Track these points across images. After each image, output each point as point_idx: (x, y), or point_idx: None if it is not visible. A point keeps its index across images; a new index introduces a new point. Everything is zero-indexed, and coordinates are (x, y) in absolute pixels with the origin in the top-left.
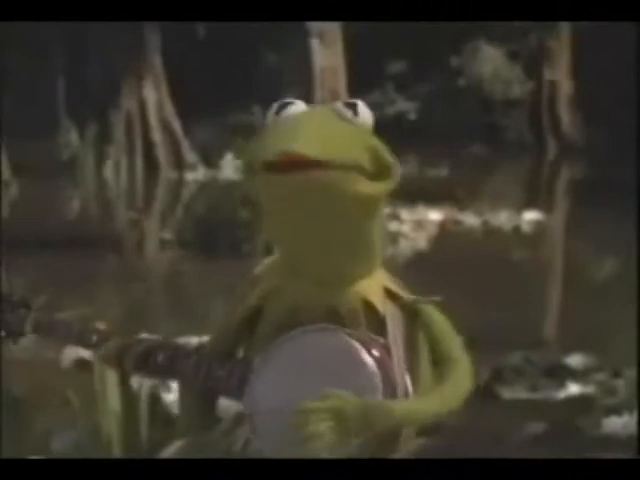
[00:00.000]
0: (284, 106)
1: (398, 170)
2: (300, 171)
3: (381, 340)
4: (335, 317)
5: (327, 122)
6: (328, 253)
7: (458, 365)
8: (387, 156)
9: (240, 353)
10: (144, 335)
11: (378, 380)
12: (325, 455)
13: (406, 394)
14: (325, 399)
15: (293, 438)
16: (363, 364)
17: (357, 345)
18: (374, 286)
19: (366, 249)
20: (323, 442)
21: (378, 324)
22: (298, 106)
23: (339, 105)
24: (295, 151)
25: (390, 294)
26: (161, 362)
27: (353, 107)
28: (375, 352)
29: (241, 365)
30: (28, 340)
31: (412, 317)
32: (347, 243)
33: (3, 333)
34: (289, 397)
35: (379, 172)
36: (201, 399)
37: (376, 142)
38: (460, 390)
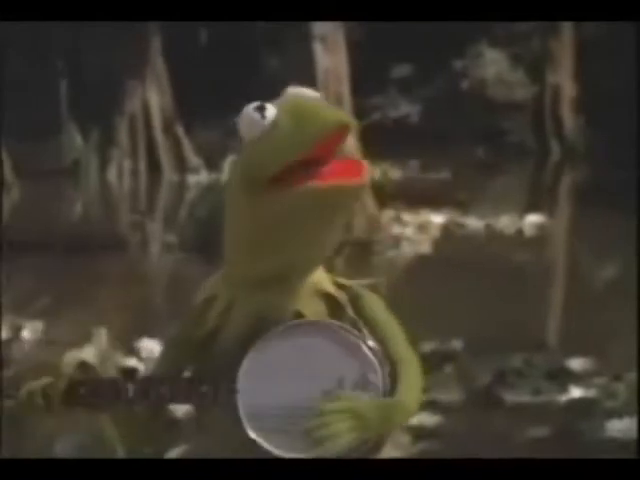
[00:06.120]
0: (262, 109)
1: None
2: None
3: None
4: (302, 317)
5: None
6: (309, 258)
7: (402, 344)
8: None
9: (187, 373)
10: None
11: (374, 359)
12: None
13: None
14: (340, 400)
15: (298, 433)
16: (357, 345)
17: (344, 331)
18: (323, 277)
19: (330, 250)
20: (343, 442)
21: (340, 312)
22: (272, 107)
23: (297, 92)
24: (348, 121)
25: (336, 283)
26: (134, 393)
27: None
28: (359, 334)
29: (223, 379)
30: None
31: (355, 302)
32: (326, 248)
33: None
34: (289, 391)
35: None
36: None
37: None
38: (419, 366)
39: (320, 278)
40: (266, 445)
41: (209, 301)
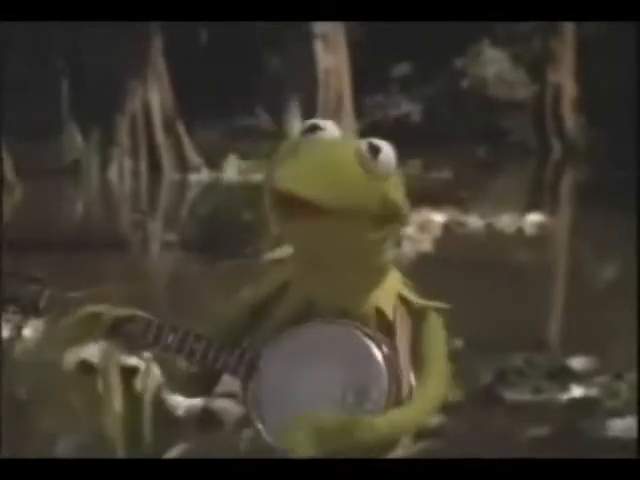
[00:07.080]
0: (314, 128)
1: (408, 212)
2: (305, 218)
3: (389, 340)
4: (347, 317)
5: (341, 165)
6: (345, 273)
7: (433, 372)
8: (398, 201)
9: (246, 341)
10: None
11: (385, 375)
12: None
13: (411, 390)
14: (306, 418)
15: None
16: (372, 358)
17: (367, 339)
18: (386, 293)
19: (378, 266)
20: (301, 452)
21: (387, 327)
22: (327, 133)
23: (363, 145)
24: (295, 192)
25: (401, 298)
26: (171, 342)
27: (375, 151)
28: (384, 348)
29: (250, 353)
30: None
31: (419, 320)
32: (360, 267)
33: (16, 309)
34: (296, 386)
35: (388, 215)
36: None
37: (389, 187)
38: (436, 397)
39: (383, 291)
40: (267, 437)
41: (276, 263)
